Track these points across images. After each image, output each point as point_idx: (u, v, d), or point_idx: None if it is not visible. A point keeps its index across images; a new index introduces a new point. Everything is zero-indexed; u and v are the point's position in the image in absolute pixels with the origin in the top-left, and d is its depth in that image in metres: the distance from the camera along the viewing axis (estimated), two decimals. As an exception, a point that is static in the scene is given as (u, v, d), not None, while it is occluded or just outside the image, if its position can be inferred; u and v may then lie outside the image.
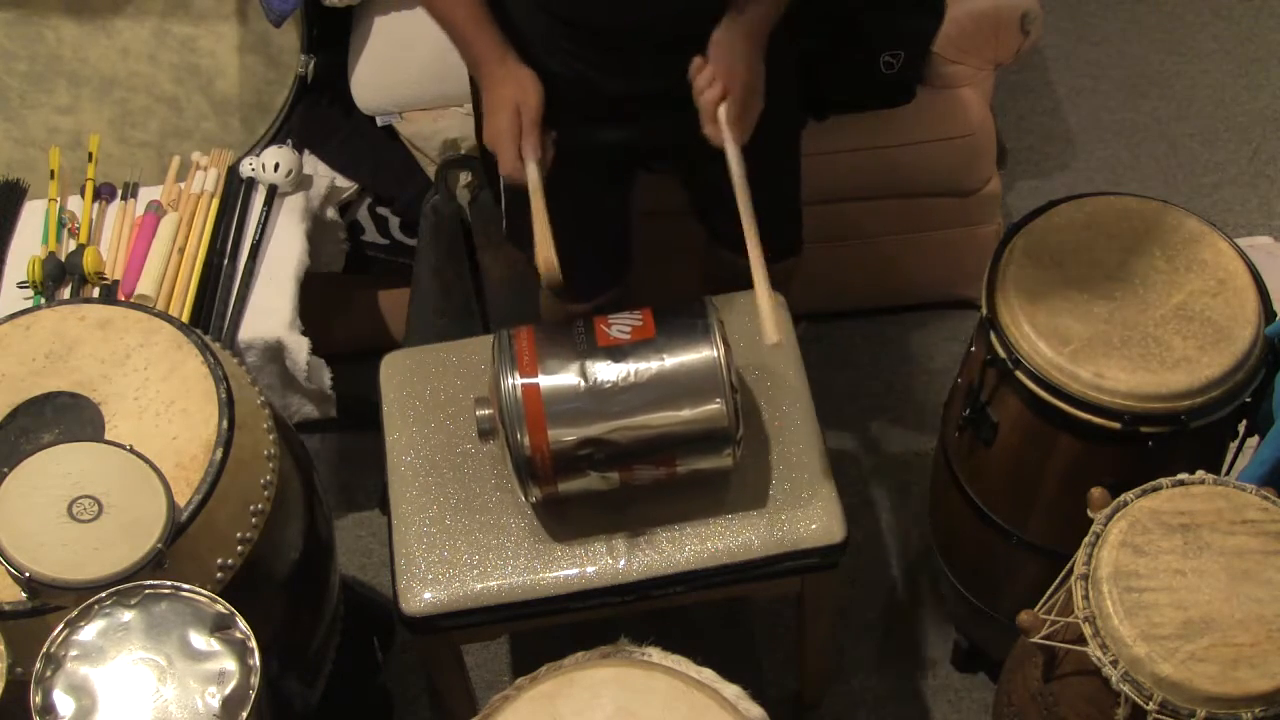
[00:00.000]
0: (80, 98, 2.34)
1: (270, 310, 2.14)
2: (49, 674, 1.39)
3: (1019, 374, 1.72)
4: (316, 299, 2.27)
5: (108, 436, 1.61)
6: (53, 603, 1.48)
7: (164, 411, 1.64)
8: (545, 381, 1.64)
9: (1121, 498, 1.54)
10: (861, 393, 2.62)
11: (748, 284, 1.98)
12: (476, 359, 1.92)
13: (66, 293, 2.12)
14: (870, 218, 2.54)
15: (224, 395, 1.64)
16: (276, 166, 2.24)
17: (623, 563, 1.74)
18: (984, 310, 1.77)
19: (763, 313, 1.57)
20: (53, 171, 2.27)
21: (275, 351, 2.15)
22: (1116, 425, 1.67)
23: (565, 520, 1.77)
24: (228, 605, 1.44)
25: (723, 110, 1.65)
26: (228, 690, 1.40)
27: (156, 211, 2.20)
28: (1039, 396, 1.70)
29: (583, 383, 1.64)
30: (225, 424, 1.62)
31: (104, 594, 1.43)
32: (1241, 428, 1.78)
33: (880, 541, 2.44)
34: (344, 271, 2.43)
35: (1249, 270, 1.75)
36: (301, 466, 1.86)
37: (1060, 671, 1.57)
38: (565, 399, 1.64)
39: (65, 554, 1.46)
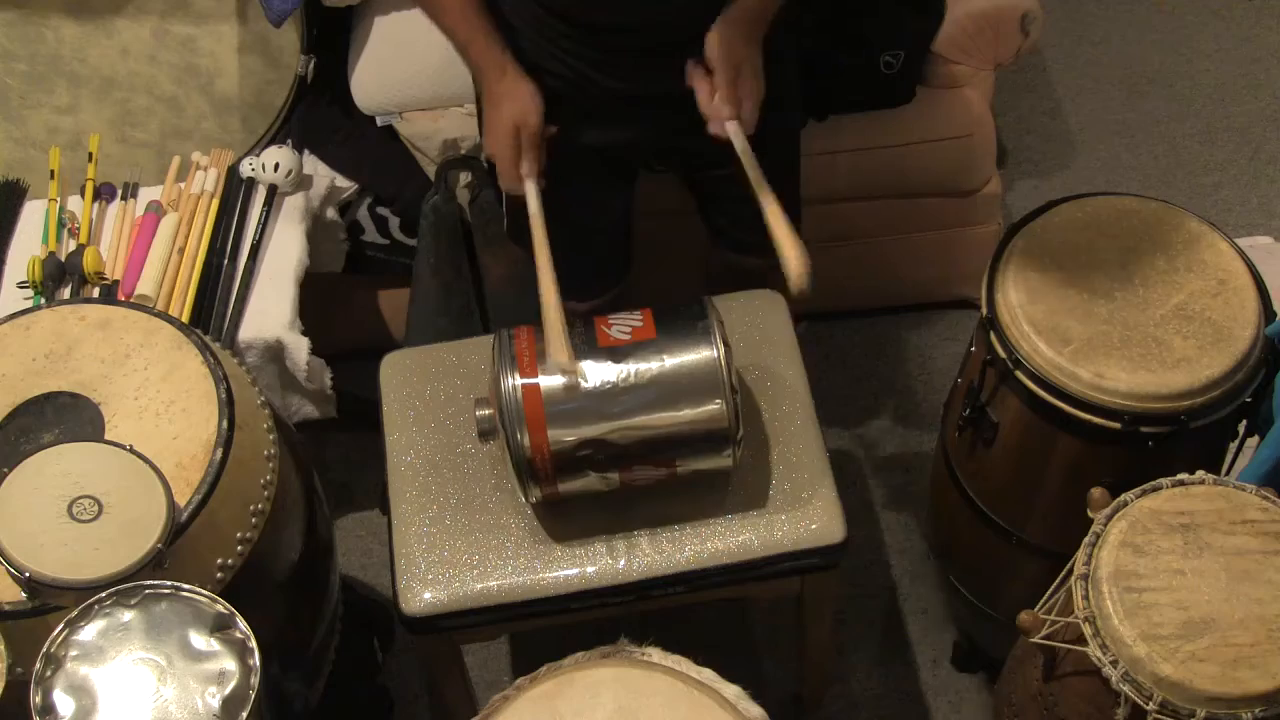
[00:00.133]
0: (80, 98, 2.34)
1: (270, 310, 2.14)
2: (49, 674, 1.39)
3: (1019, 374, 1.72)
4: (316, 299, 2.27)
5: (108, 436, 1.61)
6: (53, 603, 1.48)
7: (164, 411, 1.64)
8: (545, 382, 1.64)
9: (1121, 498, 1.54)
10: (861, 393, 2.62)
11: (748, 284, 1.99)
12: (476, 359, 1.92)
13: (66, 293, 2.12)
14: (870, 218, 2.54)
15: (224, 395, 1.64)
16: (276, 166, 2.24)
17: (623, 563, 1.74)
18: (984, 310, 1.77)
19: (789, 259, 1.61)
20: (53, 171, 2.27)
21: (275, 351, 2.14)
22: (1116, 425, 1.67)
23: (565, 520, 1.77)
24: (228, 605, 1.44)
25: (728, 110, 1.66)
26: (228, 690, 1.40)
27: (156, 211, 2.20)
28: (1039, 396, 1.70)
29: (583, 383, 1.64)
30: (225, 424, 1.62)
31: (104, 594, 1.43)
32: (1241, 428, 1.78)
33: (880, 541, 2.44)
34: (344, 271, 2.43)
35: (1249, 270, 1.75)
36: (301, 466, 1.86)
37: (1060, 671, 1.57)
38: (565, 399, 1.64)
39: (65, 554, 1.46)
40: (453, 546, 1.76)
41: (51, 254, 2.16)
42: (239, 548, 1.63)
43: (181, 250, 2.16)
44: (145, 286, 2.09)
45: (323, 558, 1.90)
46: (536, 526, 1.77)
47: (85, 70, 2.31)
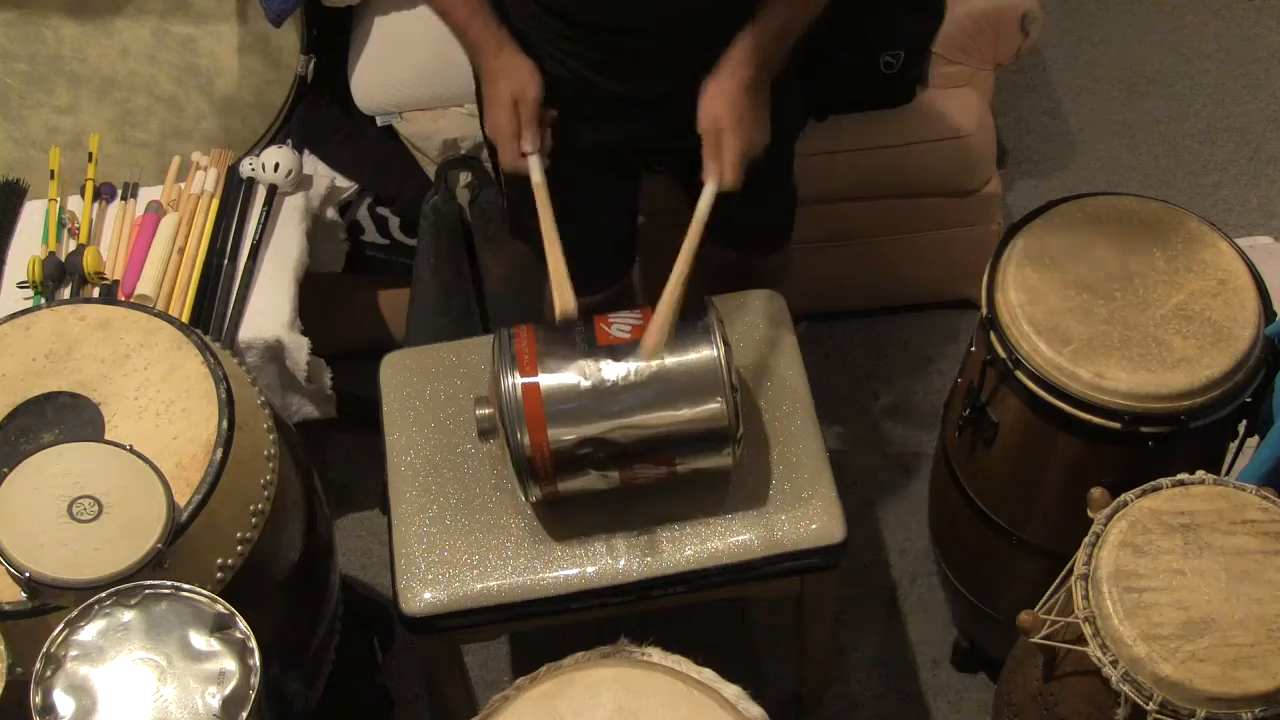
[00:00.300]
0: (80, 98, 2.34)
1: (270, 310, 2.14)
2: (49, 674, 1.39)
3: (1019, 374, 1.72)
4: (316, 299, 2.27)
5: (108, 436, 1.61)
6: (53, 603, 1.48)
7: (164, 411, 1.64)
8: (545, 380, 1.64)
9: (1121, 498, 1.54)
10: (861, 393, 2.62)
11: (746, 283, 2.00)
12: (476, 359, 1.92)
13: (66, 293, 2.12)
14: (870, 218, 2.54)
15: (224, 395, 1.64)
16: (276, 166, 2.24)
17: (623, 563, 1.74)
18: (984, 310, 1.77)
19: (650, 331, 1.62)
20: (53, 171, 2.27)
21: (275, 351, 2.14)
22: (1116, 425, 1.67)
23: (565, 520, 1.77)
24: (228, 605, 1.44)
25: (709, 169, 1.66)
26: (228, 690, 1.40)
27: (156, 211, 2.20)
28: (1039, 396, 1.70)
29: (583, 382, 1.64)
30: (225, 424, 1.62)
31: (104, 594, 1.43)
32: (1241, 428, 1.78)
33: (880, 541, 2.44)
34: (344, 271, 2.43)
35: (1249, 270, 1.75)
36: (301, 466, 1.86)
37: (1060, 671, 1.57)
38: (565, 398, 1.64)
39: (65, 554, 1.46)
40: (453, 546, 1.76)
41: (51, 254, 2.16)
42: (239, 548, 1.63)
43: (181, 250, 2.16)
44: (145, 286, 2.09)
45: (323, 558, 1.90)
46: (536, 526, 1.77)
47: (85, 70, 2.31)
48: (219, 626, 1.43)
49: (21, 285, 2.15)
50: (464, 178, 2.25)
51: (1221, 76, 3.10)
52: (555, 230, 1.65)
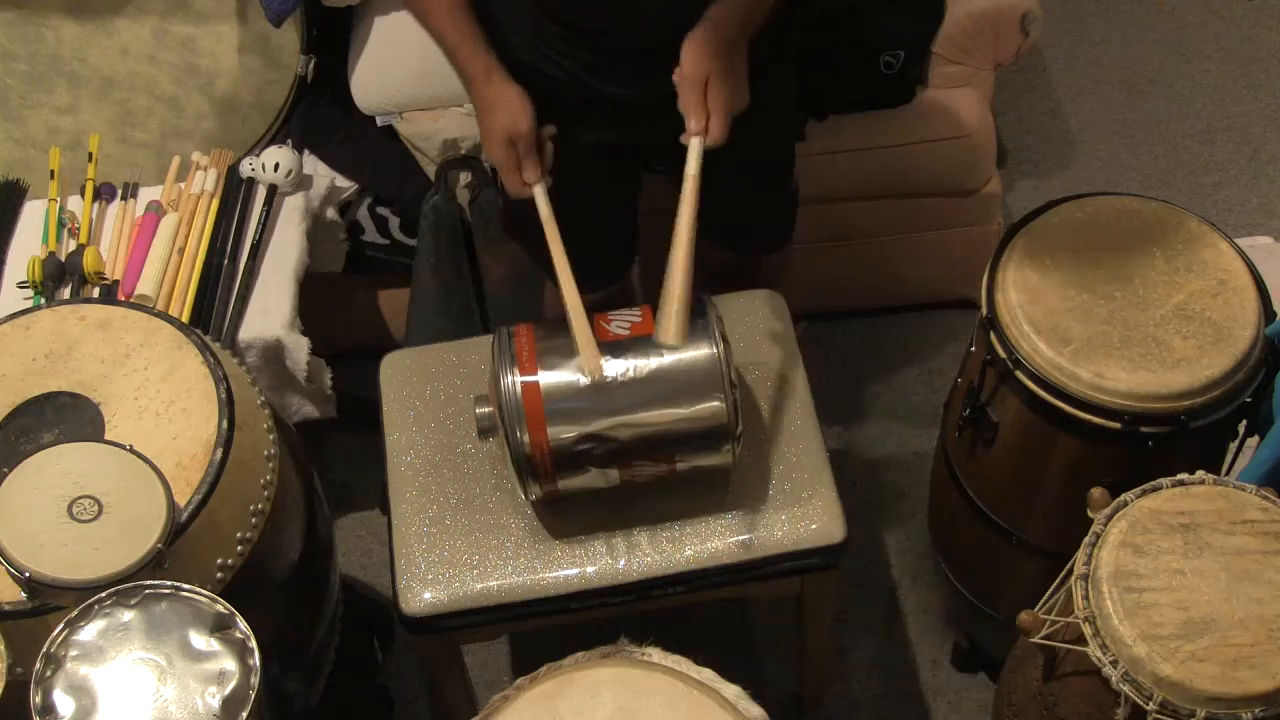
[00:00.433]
0: (80, 98, 2.34)
1: (270, 310, 2.14)
2: (49, 674, 1.39)
3: (1019, 374, 1.72)
4: (316, 299, 2.27)
5: (108, 436, 1.61)
6: (53, 603, 1.48)
7: (164, 411, 1.64)
8: (545, 379, 1.64)
9: (1121, 498, 1.54)
10: (861, 393, 2.62)
11: (745, 282, 2.00)
12: (476, 359, 1.92)
13: (66, 293, 2.12)
14: (870, 218, 2.54)
15: (224, 395, 1.64)
16: (276, 166, 2.24)
17: (623, 563, 1.74)
18: (984, 310, 1.77)
19: (665, 315, 1.60)
20: (53, 171, 2.27)
21: (275, 351, 2.14)
22: (1116, 425, 1.67)
23: (565, 520, 1.77)
24: (228, 605, 1.44)
25: (692, 124, 1.64)
26: (228, 690, 1.40)
27: (156, 211, 2.20)
28: (1039, 396, 1.70)
29: (582, 379, 1.64)
30: (225, 424, 1.62)
31: (104, 594, 1.43)
32: (1241, 428, 1.78)
33: (880, 541, 2.44)
34: (344, 271, 2.43)
35: (1249, 270, 1.75)
36: (301, 466, 1.86)
37: (1060, 671, 1.57)
38: (565, 396, 1.64)
39: (65, 554, 1.46)
40: (453, 546, 1.76)
41: (51, 254, 2.16)
42: (239, 548, 1.63)
43: (181, 250, 2.16)
44: (145, 286, 2.09)
45: (323, 558, 1.90)
46: (537, 526, 1.77)
47: (85, 70, 2.31)
48: (219, 626, 1.43)
49: (21, 285, 2.15)
50: (464, 178, 2.25)
51: (1221, 76, 3.10)
52: (571, 275, 1.63)
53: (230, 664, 1.41)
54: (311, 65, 2.31)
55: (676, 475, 1.71)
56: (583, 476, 1.68)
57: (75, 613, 1.42)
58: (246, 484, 1.65)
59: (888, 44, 2.26)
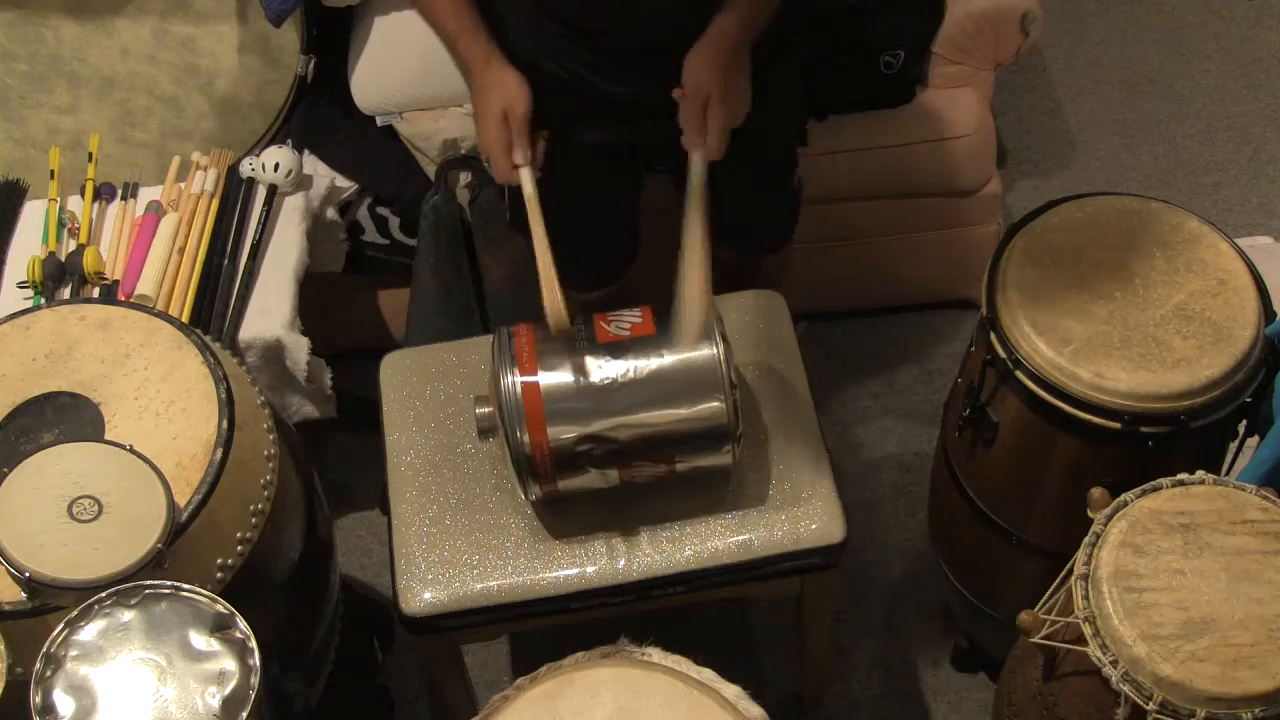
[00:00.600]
0: (80, 98, 2.34)
1: (270, 310, 2.14)
2: (49, 674, 1.39)
3: (1019, 374, 1.72)
4: (316, 299, 2.27)
5: (108, 436, 1.61)
6: (53, 603, 1.48)
7: (164, 411, 1.64)
8: (545, 379, 1.64)
9: (1121, 498, 1.54)
10: (862, 393, 2.62)
11: (744, 281, 1.99)
12: (476, 359, 1.92)
13: (66, 293, 2.12)
14: (870, 218, 2.54)
15: (224, 395, 1.64)
16: (276, 166, 2.24)
17: (623, 563, 1.74)
18: (984, 310, 1.77)
19: (686, 315, 1.61)
20: (53, 171, 2.27)
21: (275, 351, 2.14)
22: (1116, 425, 1.67)
23: (565, 520, 1.77)
24: (228, 605, 1.44)
25: (692, 140, 1.66)
26: (228, 690, 1.40)
27: (156, 211, 2.20)
28: (1039, 396, 1.70)
29: (582, 380, 1.64)
30: (225, 424, 1.62)
31: (104, 594, 1.43)
32: (1241, 428, 1.78)
33: (880, 541, 2.44)
34: (344, 271, 2.43)
35: (1249, 270, 1.75)
36: (301, 466, 1.86)
37: (1060, 671, 1.57)
38: (565, 396, 1.64)
39: (65, 554, 1.46)
40: (453, 546, 1.76)
41: (51, 254, 2.16)
42: (239, 548, 1.63)
43: (181, 250, 2.16)
44: (145, 286, 2.09)
45: (323, 558, 1.90)
46: (537, 526, 1.77)
47: (85, 70, 2.31)
48: (219, 626, 1.43)
49: (21, 285, 2.15)
50: (464, 178, 2.25)
51: (1221, 76, 3.10)
52: (547, 241, 1.65)
53: (230, 664, 1.41)
54: (311, 65, 2.31)
55: (676, 476, 1.71)
56: (583, 477, 1.68)
57: (75, 613, 1.42)
58: (246, 484, 1.65)
59: (888, 44, 2.26)
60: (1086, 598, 1.48)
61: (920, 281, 2.65)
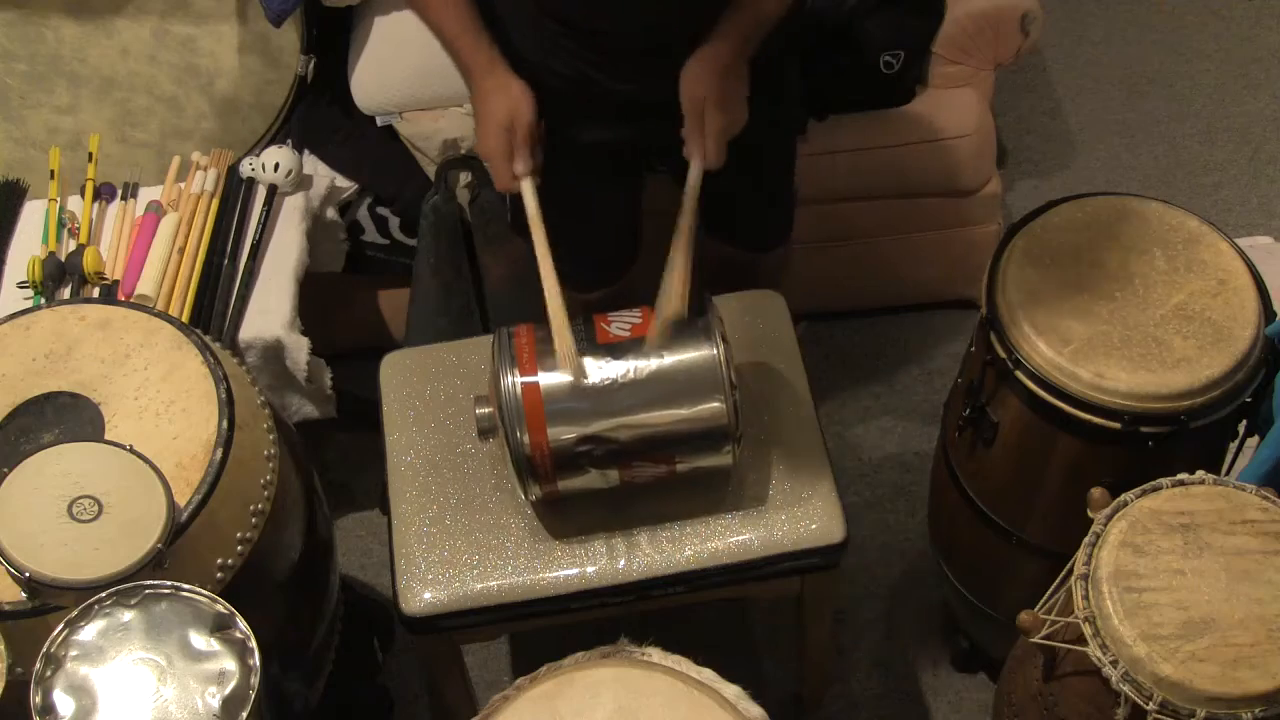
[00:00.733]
0: (80, 98, 2.34)
1: (270, 310, 2.14)
2: (49, 674, 1.39)
3: (1019, 374, 1.72)
4: (316, 299, 2.27)
5: (108, 436, 1.61)
6: (53, 603, 1.48)
7: (164, 411, 1.64)
8: (545, 379, 1.64)
9: (1121, 498, 1.54)
10: (861, 393, 2.62)
11: (742, 279, 1.99)
12: (476, 359, 1.92)
13: (66, 293, 2.12)
14: (870, 218, 2.54)
15: (224, 395, 1.64)
16: (276, 166, 2.24)
17: (623, 563, 1.74)
18: (984, 310, 1.77)
19: (664, 306, 1.63)
20: (53, 171, 2.27)
21: (275, 351, 2.14)
22: (1116, 425, 1.67)
23: (565, 520, 1.77)
24: (228, 605, 1.44)
25: (691, 149, 1.67)
26: (228, 690, 1.40)
27: (156, 211, 2.20)
28: (1039, 396, 1.70)
29: (582, 380, 1.64)
30: (225, 424, 1.62)
31: (104, 594, 1.43)
32: (1241, 428, 1.78)
33: (880, 541, 2.44)
34: (344, 271, 2.43)
35: (1249, 270, 1.75)
36: (301, 466, 1.86)
37: (1060, 671, 1.57)
38: (565, 397, 1.64)
39: (65, 554, 1.46)
40: (453, 546, 1.76)
41: (51, 254, 2.16)
42: (239, 548, 1.63)
43: (181, 250, 2.16)
44: (145, 286, 2.09)
45: (323, 558, 1.90)
46: (537, 526, 1.77)
47: (85, 70, 2.31)
48: (219, 626, 1.43)
49: (21, 285, 2.15)
50: (464, 178, 2.25)
51: (1221, 76, 3.10)
52: (553, 266, 1.65)
53: (230, 664, 1.41)
54: (311, 65, 2.31)
55: (677, 476, 1.71)
56: (583, 477, 1.68)
57: (75, 613, 1.42)
58: (246, 484, 1.65)
59: (888, 44, 2.26)
60: (1086, 598, 1.48)
61: (920, 281, 2.65)
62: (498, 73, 1.69)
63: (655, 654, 1.58)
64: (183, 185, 2.25)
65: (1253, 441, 1.76)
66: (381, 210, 2.41)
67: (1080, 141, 2.99)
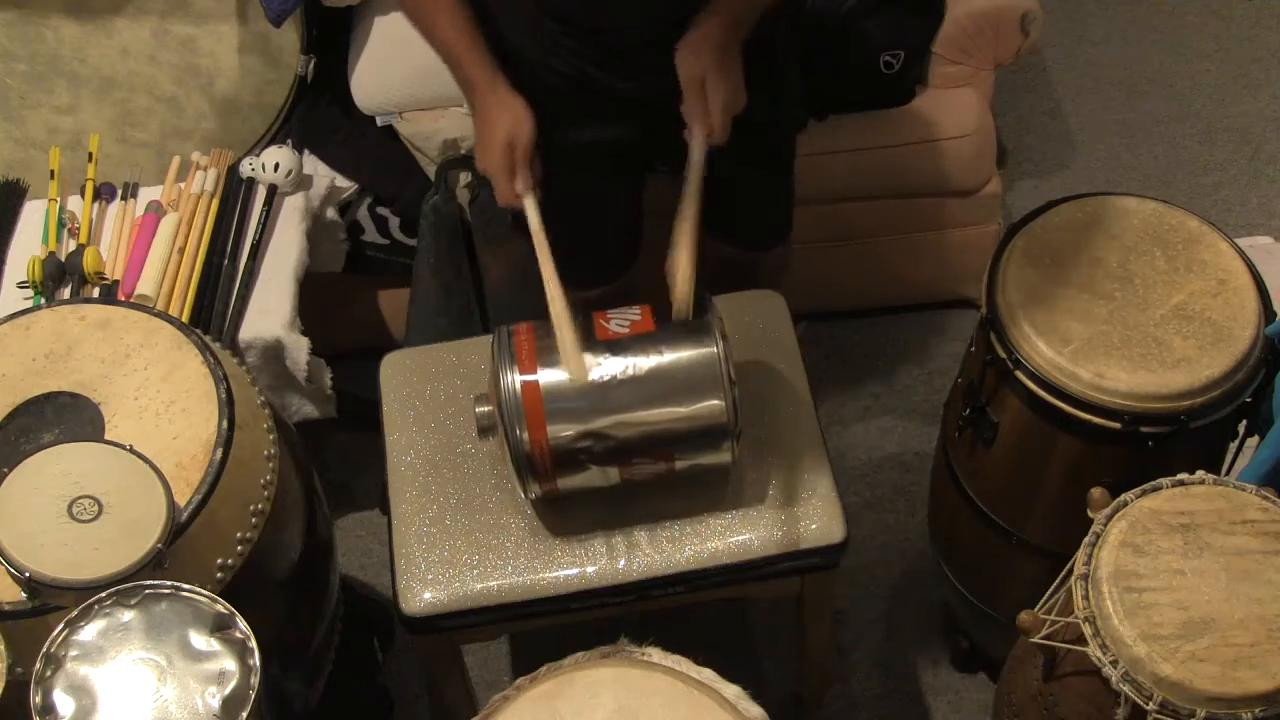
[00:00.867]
0: (80, 98, 2.34)
1: (270, 310, 2.14)
2: (49, 674, 1.39)
3: (1019, 374, 1.72)
4: (316, 299, 2.27)
5: (108, 436, 1.61)
6: (53, 603, 1.48)
7: (164, 411, 1.64)
8: (545, 378, 1.64)
9: (1121, 498, 1.54)
10: (861, 393, 2.62)
11: (742, 277, 1.99)
12: (476, 359, 1.92)
13: (66, 293, 2.12)
14: (870, 218, 2.54)
15: (224, 395, 1.64)
16: (276, 166, 2.24)
17: (623, 563, 1.74)
18: (984, 310, 1.77)
19: (677, 292, 1.64)
20: (53, 171, 2.27)
21: (275, 351, 2.15)
22: (1116, 425, 1.67)
23: (565, 520, 1.77)
24: (228, 605, 1.44)
25: (693, 124, 1.66)
26: (228, 690, 1.40)
27: (156, 211, 2.20)
28: (1039, 396, 1.70)
29: (582, 377, 1.64)
30: (225, 424, 1.62)
31: (104, 594, 1.43)
32: (1241, 428, 1.78)
33: (880, 541, 2.44)
34: (344, 271, 2.43)
35: (1249, 270, 1.75)
36: (301, 466, 1.86)
37: (1060, 671, 1.57)
38: (565, 395, 1.64)
39: (65, 554, 1.46)
40: (453, 546, 1.76)
41: (51, 254, 2.16)
42: (239, 548, 1.63)
43: (181, 250, 2.16)
44: (145, 286, 2.09)
45: (323, 558, 1.90)
46: (537, 526, 1.77)
47: (85, 70, 2.31)
48: (219, 626, 1.43)
49: (21, 285, 2.15)
50: (464, 178, 2.25)
51: (1221, 76, 3.10)
52: (559, 284, 1.64)
53: (230, 664, 1.41)
54: (311, 65, 2.31)
55: (676, 474, 1.71)
56: (582, 475, 1.68)
57: (75, 613, 1.42)
58: (246, 484, 1.65)
59: (888, 44, 2.26)
60: (1086, 598, 1.48)
61: (920, 281, 2.65)
62: (499, 90, 1.69)
63: (655, 654, 1.58)
64: (183, 185, 2.25)
65: (1253, 441, 1.76)
66: (381, 210, 2.41)
67: (1080, 141, 2.99)
